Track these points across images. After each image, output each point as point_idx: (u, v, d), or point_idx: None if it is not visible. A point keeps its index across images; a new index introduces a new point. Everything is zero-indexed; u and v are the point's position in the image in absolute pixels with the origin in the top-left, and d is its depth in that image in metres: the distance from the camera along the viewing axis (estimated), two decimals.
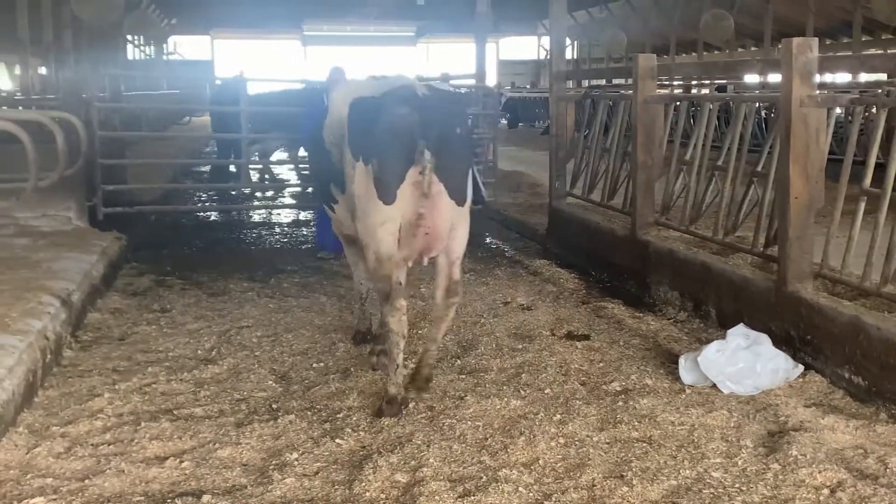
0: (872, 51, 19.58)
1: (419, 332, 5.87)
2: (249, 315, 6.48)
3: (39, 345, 5.00)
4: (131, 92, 22.64)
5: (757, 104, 7.35)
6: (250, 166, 13.38)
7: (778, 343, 5.07)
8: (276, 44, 45.44)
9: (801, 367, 4.95)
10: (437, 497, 3.63)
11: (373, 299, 6.02)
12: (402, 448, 4.10)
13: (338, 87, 5.31)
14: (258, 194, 13.43)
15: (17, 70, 20.49)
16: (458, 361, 5.40)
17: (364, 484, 3.75)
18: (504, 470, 3.86)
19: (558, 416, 4.47)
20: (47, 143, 7.08)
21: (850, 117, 6.68)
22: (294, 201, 12.71)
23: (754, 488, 3.70)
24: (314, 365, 5.40)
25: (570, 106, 9.47)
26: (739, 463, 3.94)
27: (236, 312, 6.56)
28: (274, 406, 4.72)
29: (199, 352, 5.65)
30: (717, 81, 18.88)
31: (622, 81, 16.76)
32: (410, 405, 4.65)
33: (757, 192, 6.24)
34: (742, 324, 5.19)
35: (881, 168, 4.94)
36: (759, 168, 6.23)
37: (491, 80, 17.11)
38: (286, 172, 15.45)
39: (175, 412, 4.60)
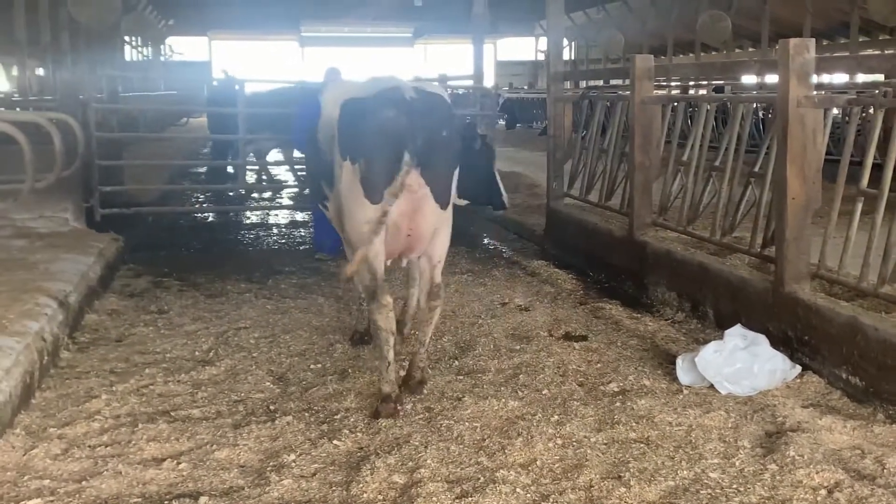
0: (869, 51, 19.59)
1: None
2: (247, 316, 6.48)
3: (36, 346, 5.00)
4: (129, 93, 22.61)
5: (754, 105, 7.34)
6: (247, 167, 13.38)
7: (775, 344, 5.07)
8: (273, 45, 45.41)
9: (798, 368, 4.96)
10: (434, 498, 3.63)
11: None
12: (399, 449, 4.10)
13: (330, 88, 5.35)
14: (255, 195, 13.43)
15: (15, 71, 20.46)
16: (456, 362, 5.40)
17: (361, 485, 3.75)
18: (502, 471, 3.86)
19: (556, 417, 4.47)
20: (44, 144, 7.07)
21: (847, 118, 6.69)
22: (291, 202, 12.71)
23: (752, 489, 3.70)
24: (312, 366, 5.40)
25: (567, 107, 9.47)
26: (737, 463, 3.94)
27: (234, 314, 6.55)
28: (271, 407, 4.72)
29: (197, 353, 5.65)
30: (714, 82, 18.89)
31: (620, 82, 16.76)
32: (408, 406, 4.65)
33: (754, 193, 6.24)
34: (739, 324, 5.19)
35: (878, 169, 4.94)
36: (756, 169, 6.24)
37: (489, 81, 17.14)
38: (284, 173, 15.45)
39: (172, 413, 4.60)
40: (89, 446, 4.17)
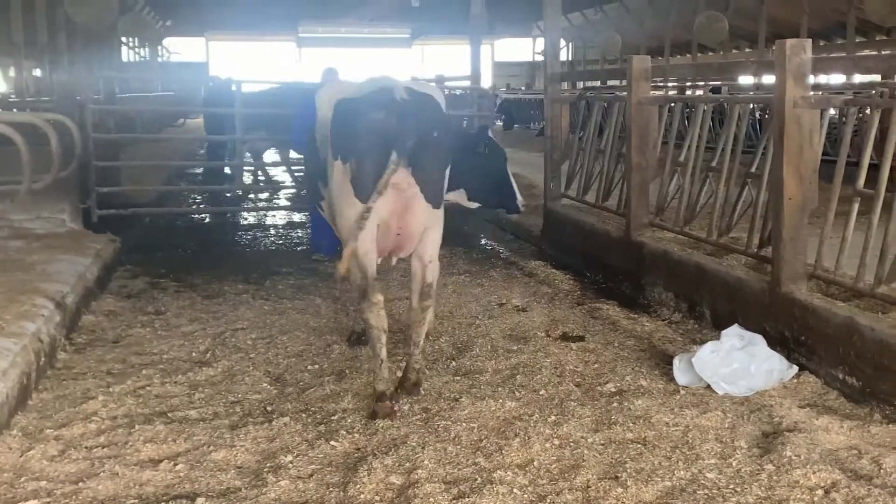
0: (866, 52, 19.61)
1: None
2: (244, 317, 6.48)
3: (33, 347, 4.99)
4: (126, 94, 22.60)
5: (751, 105, 7.36)
6: (244, 168, 13.37)
7: (772, 344, 5.08)
8: (271, 45, 45.37)
9: (795, 368, 4.96)
10: (431, 499, 3.63)
11: None
12: (396, 450, 4.10)
13: (325, 88, 5.38)
14: (252, 196, 13.41)
15: (12, 72, 20.44)
16: (453, 363, 5.40)
17: (358, 486, 3.75)
18: (499, 471, 3.86)
19: (553, 418, 4.47)
20: (41, 145, 7.07)
21: (843, 118, 6.69)
22: (289, 203, 12.70)
23: (748, 489, 3.70)
24: (309, 367, 5.40)
25: (564, 107, 9.48)
26: (734, 464, 3.95)
27: (231, 314, 6.55)
28: (268, 408, 4.72)
29: (194, 354, 5.64)
30: (711, 83, 18.90)
31: (617, 83, 16.76)
32: (405, 407, 4.65)
33: (751, 194, 6.25)
34: (736, 325, 5.19)
35: (875, 169, 4.95)
36: (753, 169, 6.24)
37: (486, 82, 17.12)
38: (281, 174, 15.44)
39: (169, 415, 4.59)
40: (86, 447, 4.17)
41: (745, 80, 16.36)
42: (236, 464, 4.04)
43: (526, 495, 3.68)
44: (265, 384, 5.08)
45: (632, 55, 7.57)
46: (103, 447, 4.17)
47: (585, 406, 4.65)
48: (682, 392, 4.84)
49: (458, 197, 6.08)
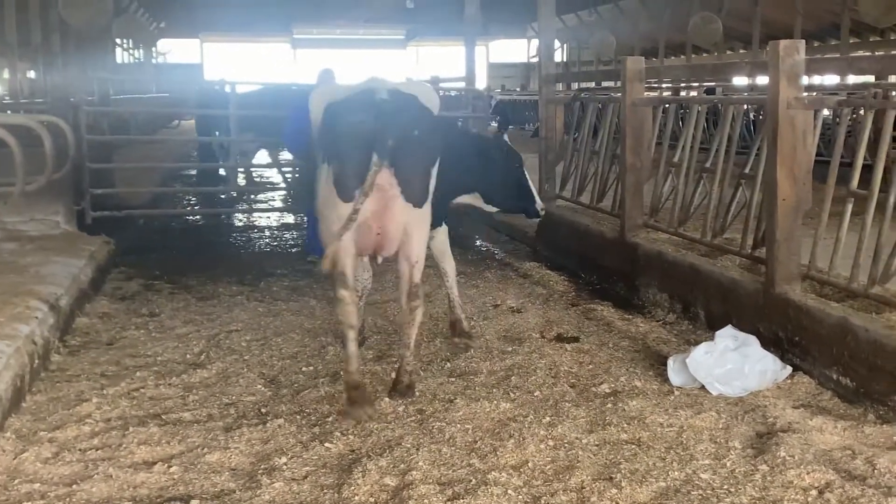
0: (860, 53, 19.67)
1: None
2: (238, 319, 6.47)
3: (27, 350, 4.98)
4: (120, 95, 22.55)
5: (745, 106, 7.37)
6: (238, 169, 13.35)
7: (766, 344, 5.08)
8: (265, 47, 45.36)
9: (789, 369, 4.97)
10: (426, 500, 3.63)
11: (367, 302, 6.03)
12: (391, 451, 4.09)
13: (317, 91, 5.38)
14: (246, 197, 13.39)
15: (5, 74, 20.39)
16: (448, 364, 5.40)
17: (353, 488, 3.75)
18: (493, 473, 3.86)
19: (548, 419, 4.47)
20: (35, 146, 7.05)
21: (837, 119, 6.71)
22: (283, 204, 12.69)
23: (743, 489, 3.70)
24: (303, 369, 5.39)
25: (559, 108, 9.50)
26: (728, 464, 3.95)
27: (225, 316, 6.54)
28: (263, 410, 4.71)
29: (188, 356, 5.63)
30: (705, 84, 18.93)
31: (611, 84, 16.79)
32: (399, 408, 4.65)
33: (745, 194, 6.26)
34: (730, 325, 5.20)
35: (868, 169, 4.96)
36: (746, 170, 6.25)
37: (481, 83, 17.12)
38: (276, 176, 15.42)
39: (163, 417, 4.59)
40: (80, 450, 4.16)
41: (739, 81, 16.40)
42: (230, 466, 4.04)
43: (520, 496, 3.68)
44: (259, 386, 5.08)
45: (626, 56, 7.58)
46: (97, 449, 4.17)
47: (580, 407, 4.65)
48: (677, 393, 4.84)
49: (474, 200, 6.06)
